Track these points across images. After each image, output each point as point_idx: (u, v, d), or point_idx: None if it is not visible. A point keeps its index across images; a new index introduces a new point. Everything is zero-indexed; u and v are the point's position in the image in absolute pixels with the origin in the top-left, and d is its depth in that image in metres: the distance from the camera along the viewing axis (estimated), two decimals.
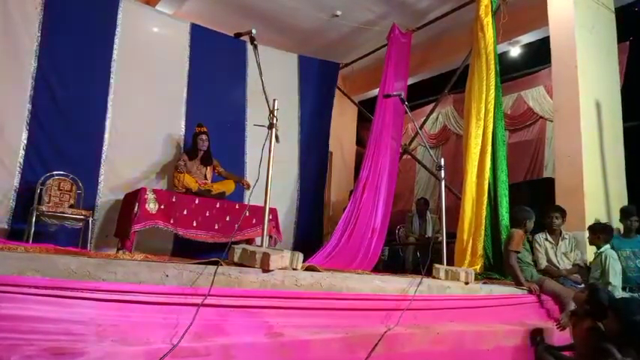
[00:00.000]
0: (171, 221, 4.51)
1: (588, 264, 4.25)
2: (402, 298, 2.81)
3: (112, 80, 5.21)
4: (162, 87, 5.60)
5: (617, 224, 4.48)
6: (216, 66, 5.97)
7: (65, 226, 4.56)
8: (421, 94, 8.33)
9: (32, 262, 1.84)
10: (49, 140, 4.81)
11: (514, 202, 4.74)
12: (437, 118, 9.06)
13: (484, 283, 3.75)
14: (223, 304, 2.11)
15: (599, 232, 3.99)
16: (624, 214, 4.40)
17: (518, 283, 3.83)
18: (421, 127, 7.14)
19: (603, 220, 4.52)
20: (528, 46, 6.81)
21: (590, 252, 4.34)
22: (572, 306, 3.34)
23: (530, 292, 3.74)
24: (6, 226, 4.52)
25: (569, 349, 3.13)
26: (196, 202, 4.75)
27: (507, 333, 3.16)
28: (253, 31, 2.99)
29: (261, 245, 2.60)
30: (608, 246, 3.93)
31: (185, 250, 4.95)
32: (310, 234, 6.40)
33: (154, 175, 5.41)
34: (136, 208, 4.28)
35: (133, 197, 4.47)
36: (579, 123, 4.62)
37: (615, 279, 3.75)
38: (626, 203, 4.78)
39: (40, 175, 4.59)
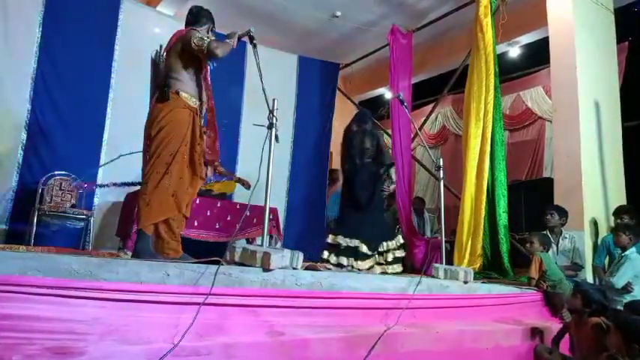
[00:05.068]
0: None
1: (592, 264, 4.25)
2: (402, 297, 2.82)
3: (112, 81, 5.22)
4: None
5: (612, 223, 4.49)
6: (215, 67, 5.96)
7: (66, 225, 4.58)
8: (421, 95, 8.32)
9: (34, 261, 1.85)
10: (48, 141, 4.81)
11: (513, 202, 4.73)
12: (436, 118, 9.07)
13: (483, 282, 3.76)
14: (224, 304, 2.11)
15: (634, 233, 3.79)
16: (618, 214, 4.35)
17: None
18: (421, 127, 7.14)
19: (602, 219, 4.53)
20: (527, 47, 6.81)
21: (589, 251, 4.37)
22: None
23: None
24: (5, 227, 4.53)
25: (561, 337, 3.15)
26: (197, 202, 4.76)
27: (506, 332, 3.16)
28: (252, 29, 2.99)
29: (262, 245, 2.60)
30: (634, 249, 3.77)
31: (186, 249, 4.95)
32: (308, 234, 6.39)
33: None
34: (137, 208, 4.28)
35: (134, 197, 4.48)
36: (578, 123, 4.62)
37: (620, 280, 3.64)
38: (624, 203, 4.78)
39: (38, 176, 4.60)
